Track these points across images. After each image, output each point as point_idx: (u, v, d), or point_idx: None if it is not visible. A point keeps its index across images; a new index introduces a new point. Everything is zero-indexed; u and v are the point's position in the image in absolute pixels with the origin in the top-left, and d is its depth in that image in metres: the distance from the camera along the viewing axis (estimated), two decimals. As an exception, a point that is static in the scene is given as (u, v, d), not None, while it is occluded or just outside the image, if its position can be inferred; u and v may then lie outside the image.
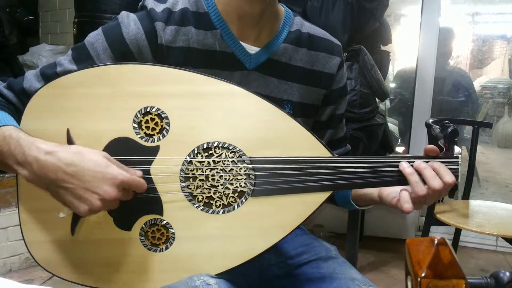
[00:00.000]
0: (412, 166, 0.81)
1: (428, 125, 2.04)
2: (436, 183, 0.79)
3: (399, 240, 2.85)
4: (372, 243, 2.85)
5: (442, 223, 1.90)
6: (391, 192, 0.87)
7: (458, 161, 0.83)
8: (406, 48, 3.23)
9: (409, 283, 0.46)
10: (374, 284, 0.90)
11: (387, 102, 3.14)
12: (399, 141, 3.12)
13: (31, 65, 3.15)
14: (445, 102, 3.15)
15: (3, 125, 0.77)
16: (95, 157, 0.73)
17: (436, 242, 0.45)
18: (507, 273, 0.49)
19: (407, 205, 0.81)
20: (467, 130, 3.09)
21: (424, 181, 0.81)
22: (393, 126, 3.08)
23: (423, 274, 0.43)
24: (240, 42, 0.91)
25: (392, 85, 3.27)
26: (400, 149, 3.05)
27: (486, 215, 1.96)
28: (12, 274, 2.30)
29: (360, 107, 2.19)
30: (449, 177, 0.80)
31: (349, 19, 2.09)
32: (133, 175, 0.75)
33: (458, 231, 2.21)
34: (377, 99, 2.33)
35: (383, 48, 2.52)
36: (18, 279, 2.21)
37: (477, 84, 3.57)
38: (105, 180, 0.72)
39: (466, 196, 2.18)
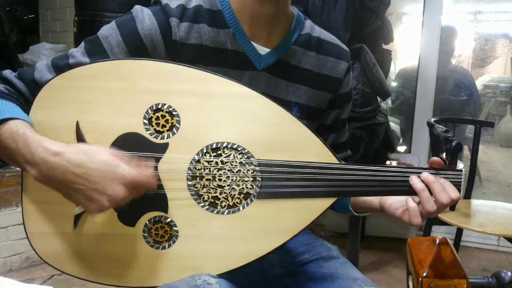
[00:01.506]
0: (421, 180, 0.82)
1: (430, 124, 2.04)
2: (444, 198, 0.80)
3: (401, 240, 2.85)
4: (374, 242, 2.85)
5: (443, 223, 1.90)
6: (394, 202, 0.87)
7: (461, 175, 0.83)
8: (408, 47, 3.22)
9: (410, 283, 0.46)
10: (376, 284, 0.90)
11: (389, 101, 3.14)
12: (401, 140, 3.12)
13: (31, 64, 3.16)
14: (447, 101, 3.14)
15: (11, 118, 0.76)
16: (104, 157, 0.72)
17: (437, 241, 0.44)
18: (509, 273, 0.49)
19: (417, 220, 0.82)
20: (469, 129, 3.09)
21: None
22: (394, 125, 3.08)
23: (424, 274, 0.43)
24: (252, 42, 0.91)
25: (394, 84, 3.27)
26: (401, 148, 3.05)
27: (488, 214, 1.96)
28: (12, 274, 2.30)
29: (361, 106, 2.19)
30: (454, 194, 0.81)
31: (351, 17, 2.08)
32: (143, 173, 0.74)
33: (459, 231, 2.21)
34: (378, 98, 2.33)
35: (384, 47, 2.52)
36: (19, 279, 2.21)
37: (479, 83, 3.56)
38: (114, 180, 0.71)
39: (468, 195, 2.17)
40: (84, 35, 0.90)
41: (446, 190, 0.81)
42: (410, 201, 0.83)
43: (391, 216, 0.87)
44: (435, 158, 0.84)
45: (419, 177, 0.82)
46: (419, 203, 0.82)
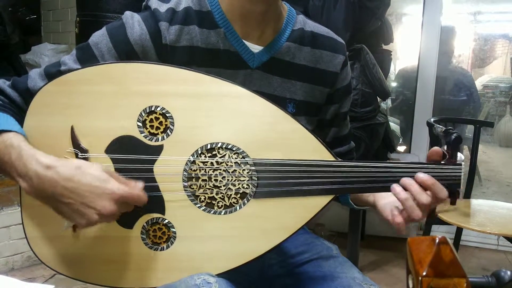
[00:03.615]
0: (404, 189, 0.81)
1: (429, 124, 2.04)
2: (424, 198, 0.79)
3: (401, 239, 2.85)
4: (374, 242, 2.85)
5: (443, 222, 1.90)
6: (386, 203, 0.87)
7: (461, 169, 0.82)
8: (407, 47, 3.23)
9: (410, 282, 0.46)
10: (375, 283, 0.90)
11: (389, 101, 3.15)
12: (401, 140, 3.12)
13: (33, 64, 3.16)
14: (446, 101, 3.14)
15: (4, 131, 0.76)
16: (95, 171, 0.73)
17: (437, 241, 0.44)
18: (508, 272, 0.49)
19: (403, 232, 0.83)
20: (469, 129, 3.09)
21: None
22: (394, 125, 3.09)
23: (424, 273, 0.43)
24: (244, 41, 0.91)
25: (394, 84, 3.27)
26: (401, 148, 3.06)
27: (487, 214, 1.96)
28: (14, 273, 2.31)
29: (361, 106, 2.20)
30: (443, 194, 0.80)
31: (351, 18, 2.09)
32: (134, 188, 0.75)
33: (459, 230, 2.21)
34: (378, 98, 2.33)
35: (384, 47, 2.52)
36: (20, 278, 2.21)
37: (478, 83, 3.56)
38: (103, 195, 0.71)
39: (467, 195, 2.17)
40: (86, 36, 0.90)
41: (432, 191, 0.79)
42: (395, 216, 0.82)
43: (382, 218, 0.87)
44: (435, 148, 0.83)
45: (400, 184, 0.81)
46: (402, 210, 0.82)
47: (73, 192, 0.72)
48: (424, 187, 0.80)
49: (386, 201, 0.87)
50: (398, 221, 0.82)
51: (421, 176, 0.80)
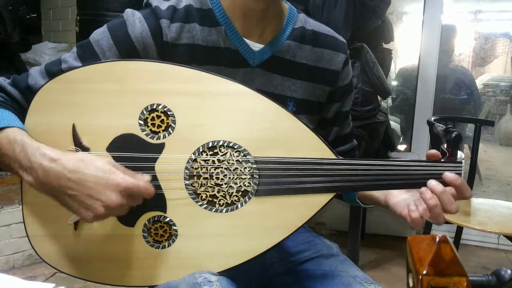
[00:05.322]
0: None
1: (430, 123, 2.04)
2: (453, 208, 0.79)
3: (401, 238, 2.86)
4: (374, 241, 2.85)
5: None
6: (398, 201, 0.87)
7: (461, 167, 0.82)
8: (408, 46, 3.22)
9: (410, 281, 0.47)
10: (376, 282, 0.90)
11: (389, 100, 3.15)
12: (401, 139, 3.12)
13: (33, 63, 3.15)
14: (447, 100, 3.14)
15: (7, 127, 0.77)
16: (99, 163, 0.73)
17: (437, 239, 0.45)
18: (509, 271, 0.49)
19: (418, 227, 0.82)
20: (469, 128, 3.09)
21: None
22: (395, 124, 3.09)
23: (424, 272, 0.43)
24: (244, 39, 0.91)
25: (394, 83, 3.27)
26: (402, 147, 3.06)
27: (488, 213, 1.96)
28: (15, 271, 2.31)
29: (362, 105, 2.20)
30: (468, 193, 0.80)
31: (351, 16, 2.09)
32: (140, 180, 0.74)
33: (459, 229, 2.20)
34: (379, 97, 2.33)
35: (385, 46, 2.52)
36: (21, 276, 2.21)
37: (479, 82, 3.56)
38: (108, 187, 0.72)
39: (468, 194, 2.17)
40: (86, 34, 0.90)
41: (461, 193, 0.80)
42: (412, 212, 0.81)
43: (396, 215, 0.86)
44: (432, 151, 0.83)
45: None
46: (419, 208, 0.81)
47: (78, 183, 0.72)
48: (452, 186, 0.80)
49: (398, 199, 0.87)
50: (415, 216, 0.81)
51: (449, 176, 0.80)
